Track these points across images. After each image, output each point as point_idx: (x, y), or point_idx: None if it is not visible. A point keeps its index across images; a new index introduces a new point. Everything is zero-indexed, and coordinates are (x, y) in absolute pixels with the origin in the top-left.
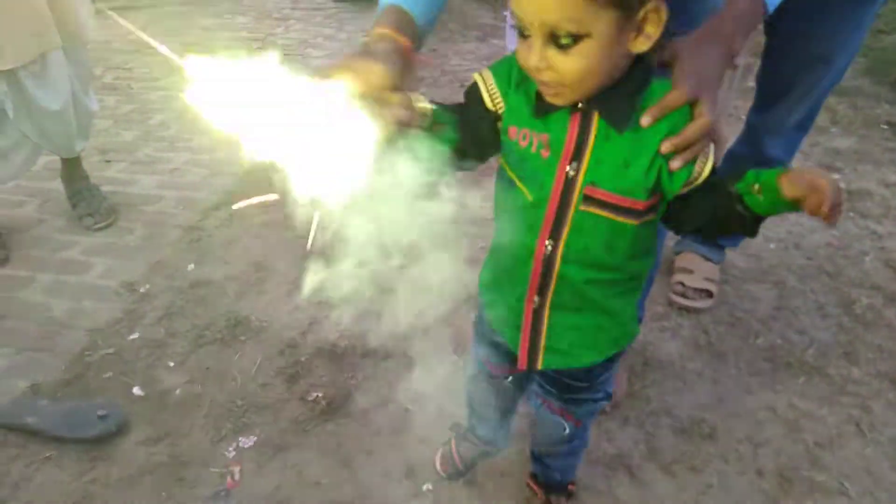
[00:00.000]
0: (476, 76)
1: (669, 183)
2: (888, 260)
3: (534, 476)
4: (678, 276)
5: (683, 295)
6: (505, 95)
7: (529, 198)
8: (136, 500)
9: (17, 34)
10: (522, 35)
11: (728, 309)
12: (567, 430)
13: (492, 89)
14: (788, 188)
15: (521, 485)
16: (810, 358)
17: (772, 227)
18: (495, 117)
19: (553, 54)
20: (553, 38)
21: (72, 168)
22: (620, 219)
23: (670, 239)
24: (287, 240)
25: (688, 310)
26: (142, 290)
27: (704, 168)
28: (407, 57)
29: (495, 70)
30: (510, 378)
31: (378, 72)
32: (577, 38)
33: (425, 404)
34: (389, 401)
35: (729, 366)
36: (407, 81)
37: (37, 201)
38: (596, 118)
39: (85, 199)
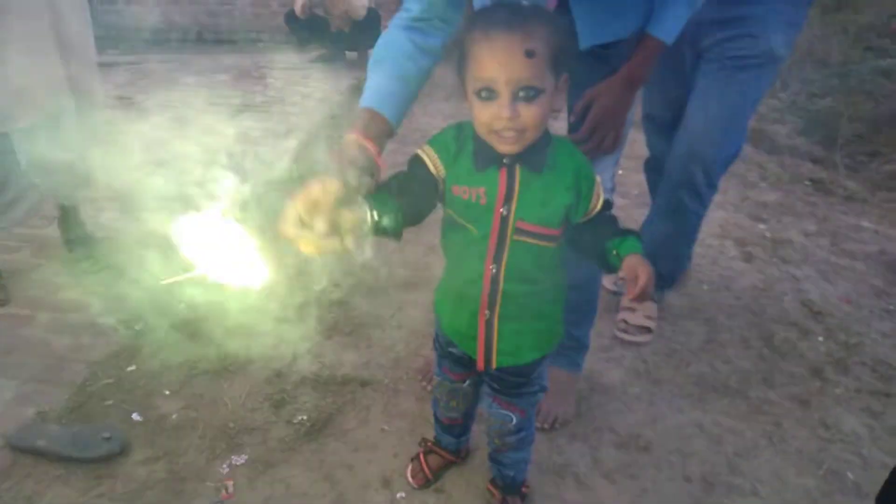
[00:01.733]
0: (420, 152)
1: (575, 214)
2: (804, 300)
3: (493, 481)
4: (622, 315)
5: (626, 331)
6: (446, 164)
7: (476, 233)
8: None
9: (35, 96)
10: (486, 98)
11: (665, 342)
12: (514, 421)
13: (435, 160)
14: (624, 268)
15: (482, 491)
16: (733, 383)
17: (705, 271)
18: (437, 181)
19: (520, 106)
20: (518, 94)
21: (71, 215)
22: (543, 243)
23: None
24: (269, 285)
25: (630, 344)
26: (137, 327)
27: (598, 203)
28: (371, 157)
29: (434, 146)
30: (467, 382)
31: (331, 190)
32: (537, 92)
33: (398, 424)
34: (366, 422)
35: (663, 390)
36: (369, 178)
37: (32, 246)
38: (518, 170)
39: (82, 243)
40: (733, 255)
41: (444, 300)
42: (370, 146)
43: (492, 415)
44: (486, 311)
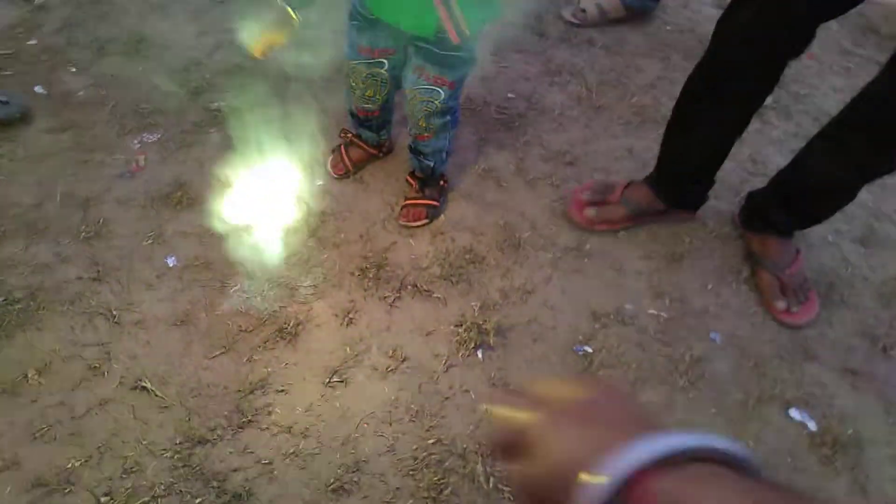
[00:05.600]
0: None
1: None
2: None
3: (412, 173)
4: None
5: None
6: None
7: None
8: (43, 174)
9: None
10: None
11: (615, 75)
12: (442, 95)
13: None
14: None
15: (402, 183)
16: None
17: (673, 14)
18: None
19: None
20: None
21: None
22: None
23: (571, 13)
24: None
25: None
26: (37, 1)
27: None
28: None
29: None
30: (386, 66)
31: None
32: None
33: (322, 119)
34: (288, 114)
35: (602, 116)
36: None
37: None
38: None
39: None
40: (707, 0)
41: None
42: None
43: (418, 91)
44: None
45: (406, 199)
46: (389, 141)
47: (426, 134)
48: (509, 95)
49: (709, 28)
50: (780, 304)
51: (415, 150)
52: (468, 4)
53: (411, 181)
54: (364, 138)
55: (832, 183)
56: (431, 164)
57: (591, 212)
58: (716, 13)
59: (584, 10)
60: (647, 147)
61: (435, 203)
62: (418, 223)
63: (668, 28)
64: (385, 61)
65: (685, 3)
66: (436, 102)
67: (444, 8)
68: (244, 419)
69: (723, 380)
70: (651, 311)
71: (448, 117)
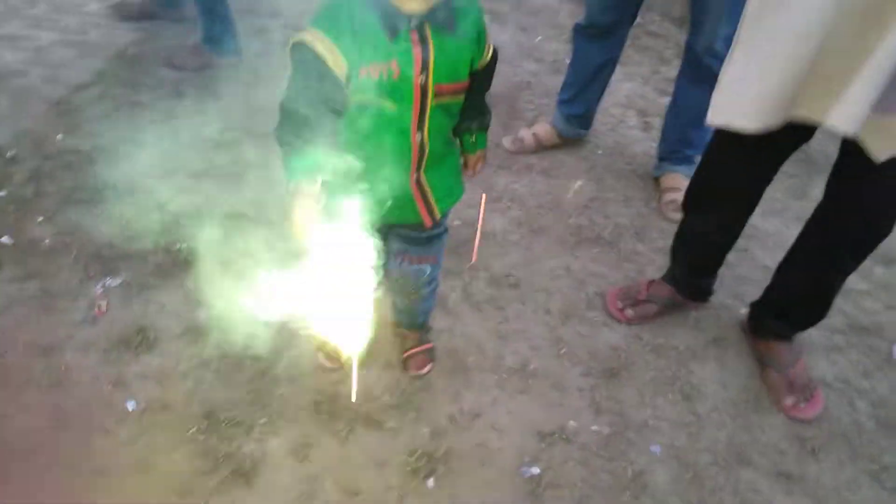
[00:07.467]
0: (305, 38)
1: (475, 64)
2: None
3: (405, 325)
4: (671, 196)
5: (678, 211)
6: (346, 51)
7: (393, 109)
8: (6, 324)
9: None
10: None
11: (552, 198)
12: (428, 271)
13: (335, 56)
14: (477, 157)
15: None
16: (607, 235)
17: (603, 137)
18: (338, 77)
19: None
20: None
21: None
22: (457, 98)
23: (650, 165)
24: (157, 119)
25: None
26: (8, 154)
27: (489, 52)
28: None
29: (329, 33)
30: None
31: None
32: None
33: (282, 257)
34: (249, 253)
35: (541, 238)
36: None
37: None
38: (429, 32)
39: None
40: (633, 124)
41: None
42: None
43: (403, 275)
44: (415, 174)
45: (405, 350)
46: None
47: (419, 301)
48: (455, 223)
49: (636, 150)
50: (789, 401)
51: (407, 313)
52: (439, 192)
53: (407, 333)
54: None
55: (817, 287)
56: (421, 319)
57: (630, 312)
58: (642, 136)
59: (521, 139)
60: (583, 266)
61: (431, 345)
62: (427, 369)
63: (599, 151)
64: None
65: (613, 128)
66: (423, 278)
67: (420, 198)
68: None
69: (664, 492)
70: (594, 427)
71: (434, 283)
